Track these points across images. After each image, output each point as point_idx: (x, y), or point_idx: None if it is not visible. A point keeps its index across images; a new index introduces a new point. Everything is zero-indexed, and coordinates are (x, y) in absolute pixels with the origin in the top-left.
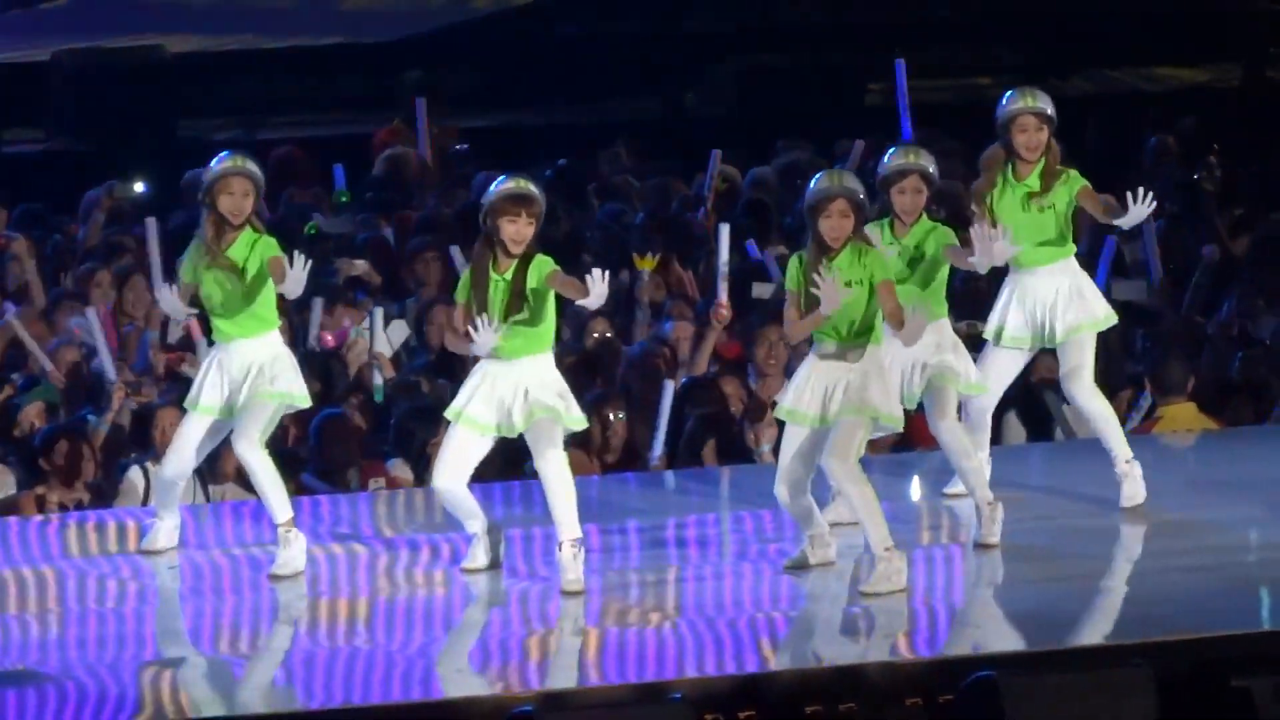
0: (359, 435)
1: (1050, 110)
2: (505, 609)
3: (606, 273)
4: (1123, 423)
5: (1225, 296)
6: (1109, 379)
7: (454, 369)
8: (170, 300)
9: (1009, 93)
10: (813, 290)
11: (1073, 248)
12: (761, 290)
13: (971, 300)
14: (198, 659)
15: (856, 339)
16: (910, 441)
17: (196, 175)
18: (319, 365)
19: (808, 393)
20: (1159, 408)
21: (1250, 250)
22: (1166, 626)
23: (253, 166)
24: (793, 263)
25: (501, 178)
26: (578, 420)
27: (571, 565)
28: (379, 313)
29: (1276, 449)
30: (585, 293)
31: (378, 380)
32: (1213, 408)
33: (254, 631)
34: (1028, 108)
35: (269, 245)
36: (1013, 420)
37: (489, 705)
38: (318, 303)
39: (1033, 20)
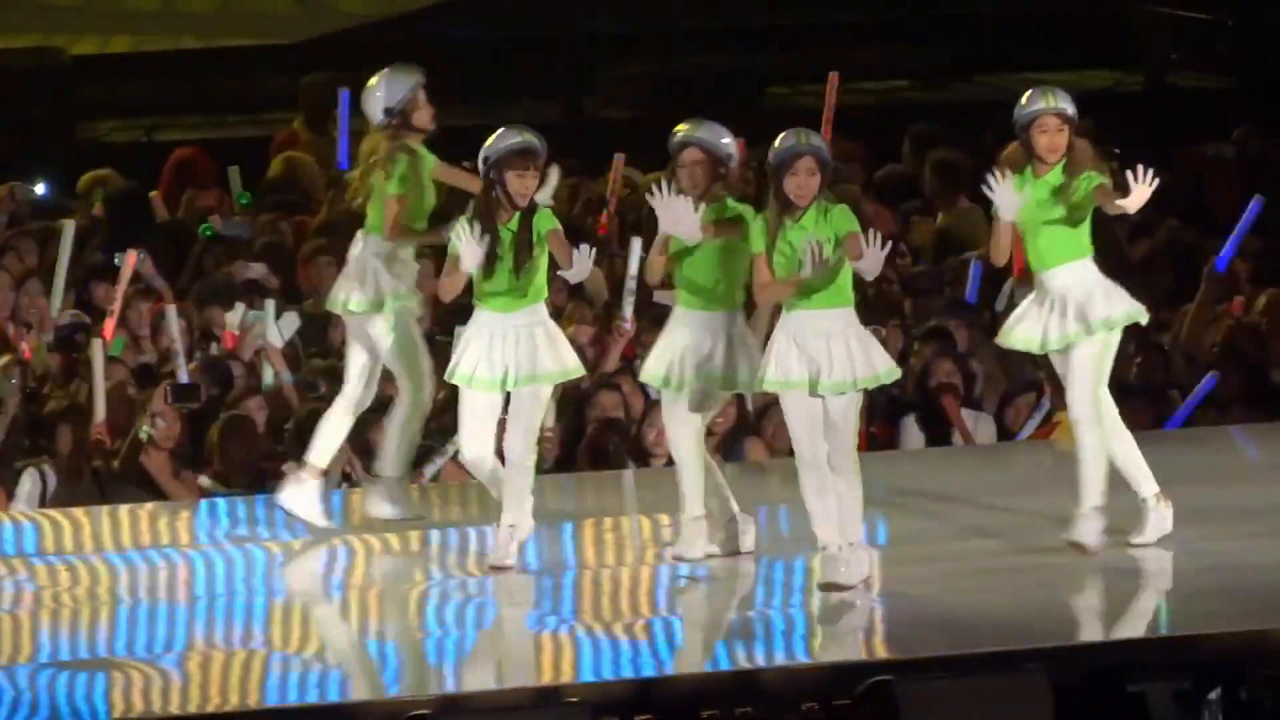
0: (259, 436)
1: (1072, 110)
2: (404, 612)
3: (593, 250)
4: (1021, 428)
5: None
6: (1009, 385)
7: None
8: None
9: (1030, 92)
10: (802, 259)
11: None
12: (661, 296)
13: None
14: (91, 662)
15: (830, 301)
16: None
17: None
18: (218, 367)
19: (794, 361)
20: (1057, 413)
21: (1148, 256)
22: (1063, 632)
23: None
24: (756, 225)
25: (501, 130)
26: (577, 370)
27: (506, 546)
28: (271, 304)
29: (1174, 453)
30: (571, 263)
31: (268, 374)
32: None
33: (149, 634)
34: (1049, 108)
35: None
36: (911, 425)
37: (386, 709)
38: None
39: (935, 24)
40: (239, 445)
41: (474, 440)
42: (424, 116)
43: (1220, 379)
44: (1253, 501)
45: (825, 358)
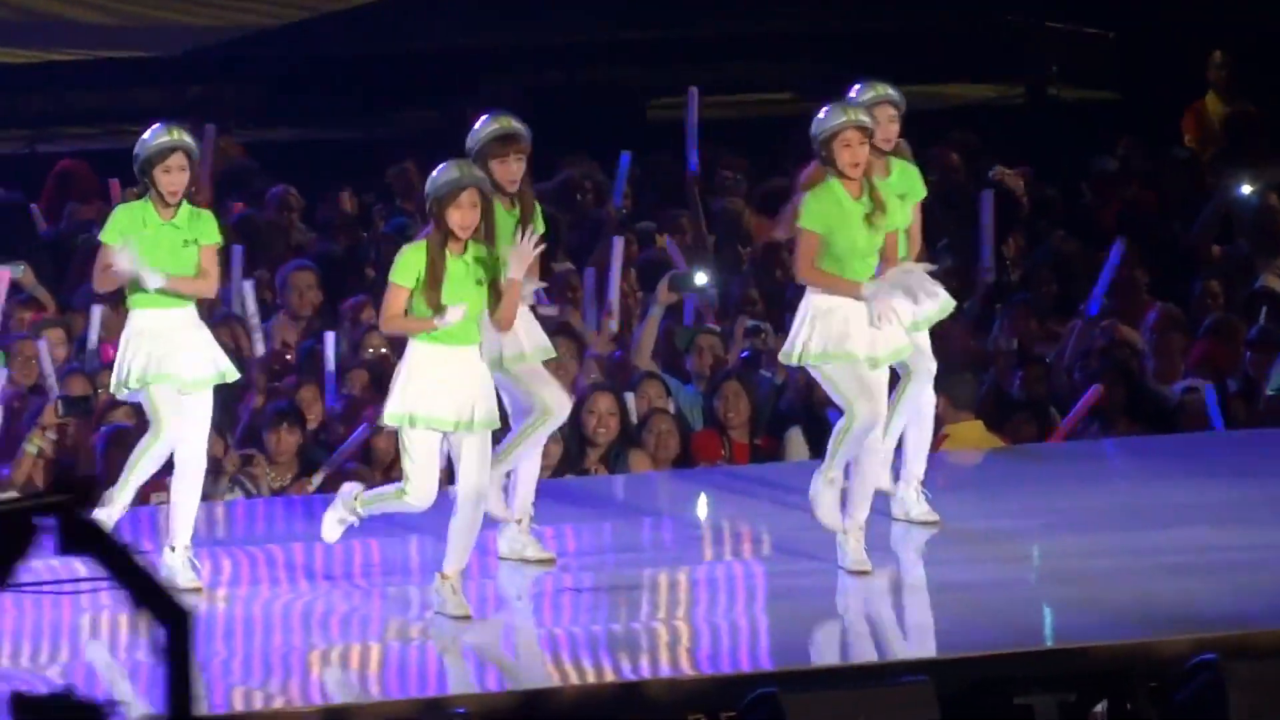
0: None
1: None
2: (287, 623)
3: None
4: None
5: (998, 315)
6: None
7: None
8: None
9: (827, 108)
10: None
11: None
12: (546, 310)
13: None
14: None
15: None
16: (692, 458)
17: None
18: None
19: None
20: (946, 425)
21: (1029, 269)
22: (949, 643)
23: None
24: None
25: (484, 118)
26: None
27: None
28: None
29: (1057, 466)
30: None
31: None
32: (996, 425)
33: (35, 644)
34: (850, 121)
35: None
36: (797, 436)
37: (273, 719)
38: (96, 311)
39: (815, 39)
40: (120, 457)
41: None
42: None
43: (1102, 391)
44: (1130, 512)
45: None
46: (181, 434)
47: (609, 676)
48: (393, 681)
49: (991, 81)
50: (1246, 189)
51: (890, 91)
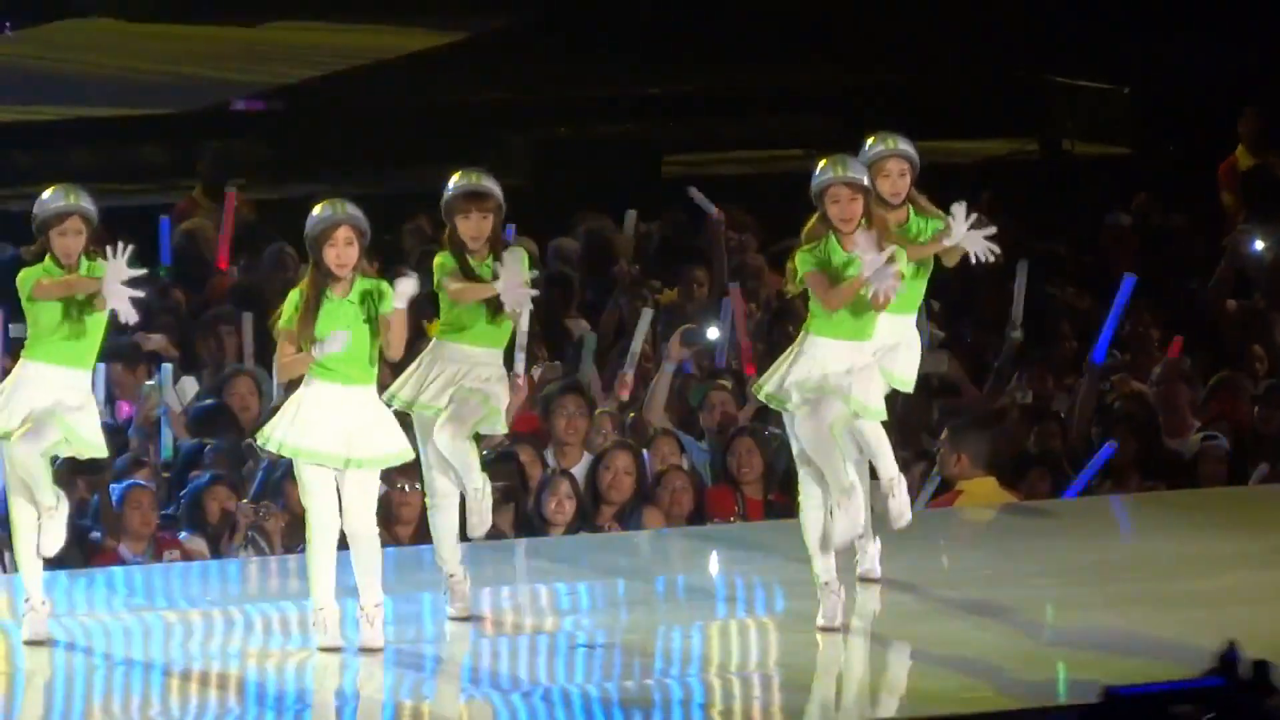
0: (155, 505)
1: (866, 180)
2: (301, 678)
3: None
4: (916, 496)
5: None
6: (905, 451)
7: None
8: None
9: (822, 164)
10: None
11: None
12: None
13: None
14: None
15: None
16: (706, 515)
17: None
18: (113, 434)
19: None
20: (959, 481)
21: (1049, 322)
22: (960, 701)
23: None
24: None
25: (456, 175)
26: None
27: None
28: (168, 368)
29: (1071, 522)
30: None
31: (166, 439)
32: (1010, 481)
33: (47, 702)
34: (837, 178)
35: None
36: None
37: None
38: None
39: (835, 92)
40: (139, 514)
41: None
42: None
43: (1117, 447)
44: (1145, 565)
45: None
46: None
47: None
48: None
49: (1006, 137)
50: (1260, 244)
51: (901, 145)
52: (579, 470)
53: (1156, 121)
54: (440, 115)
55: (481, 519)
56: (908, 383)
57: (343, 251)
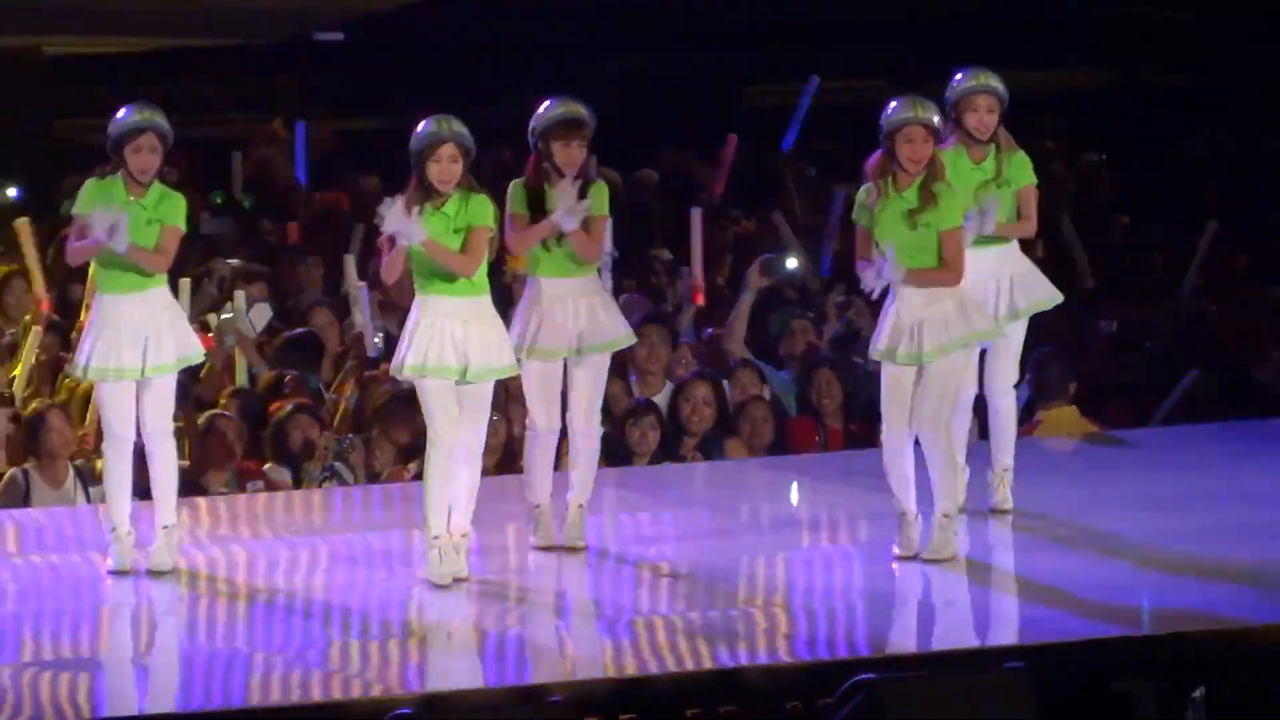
0: (240, 435)
1: (937, 119)
2: (385, 611)
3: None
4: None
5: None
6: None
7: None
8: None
9: (895, 102)
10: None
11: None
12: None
13: None
14: (78, 660)
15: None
16: (787, 445)
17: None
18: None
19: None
20: (1040, 411)
21: (1141, 253)
22: (1046, 629)
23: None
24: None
25: (548, 102)
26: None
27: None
28: (241, 295)
29: (1154, 452)
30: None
31: (242, 368)
32: (1092, 411)
33: (135, 633)
34: (915, 118)
35: None
36: None
37: (367, 708)
38: (186, 285)
39: (909, 22)
40: (223, 444)
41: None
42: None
43: (1201, 376)
44: (1228, 496)
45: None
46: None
47: (705, 663)
48: (489, 668)
49: (1080, 66)
50: None
51: (992, 81)
52: (661, 400)
53: (1236, 49)
54: (521, 48)
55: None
56: (1055, 296)
57: (446, 168)
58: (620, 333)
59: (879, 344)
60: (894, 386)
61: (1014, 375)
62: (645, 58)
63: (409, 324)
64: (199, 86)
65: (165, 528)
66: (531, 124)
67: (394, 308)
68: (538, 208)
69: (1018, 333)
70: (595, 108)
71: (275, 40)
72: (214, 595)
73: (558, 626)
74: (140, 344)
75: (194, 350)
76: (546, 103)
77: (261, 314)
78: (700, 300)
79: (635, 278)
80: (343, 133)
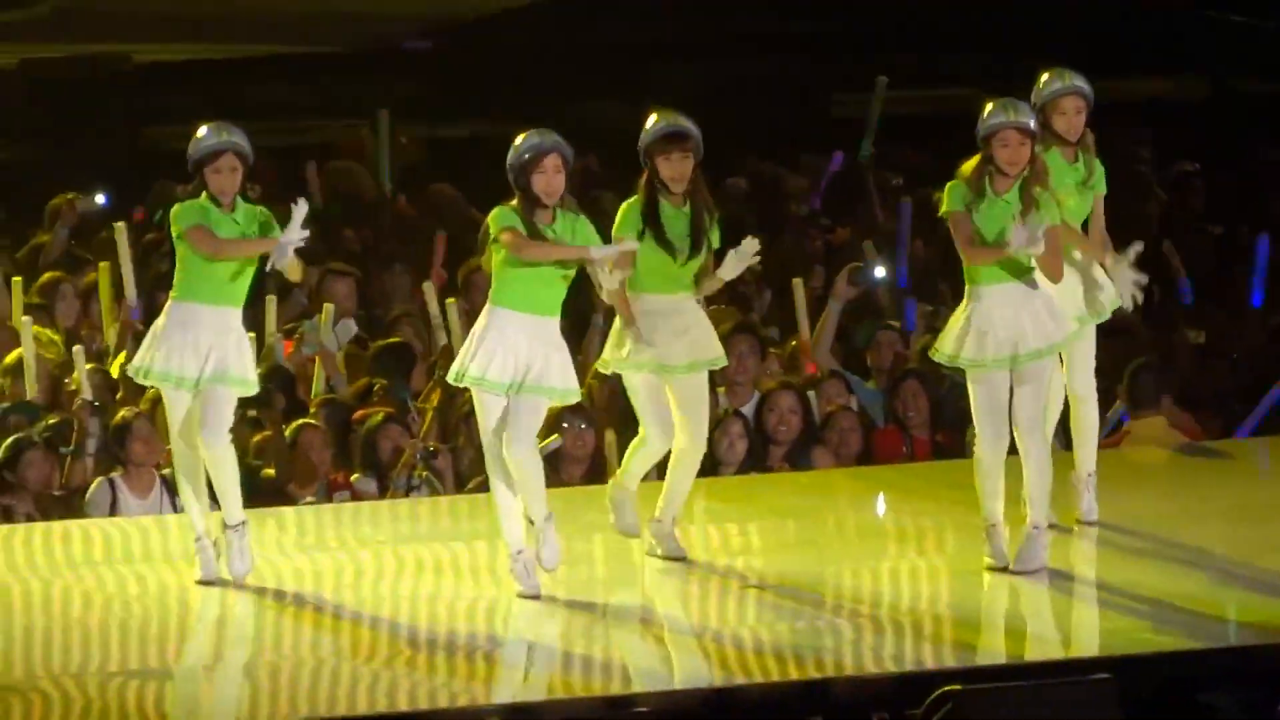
0: (327, 446)
1: (1033, 123)
2: (473, 620)
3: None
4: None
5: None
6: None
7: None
8: None
9: (991, 106)
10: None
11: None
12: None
13: None
14: (162, 670)
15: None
16: (874, 456)
17: None
18: (281, 373)
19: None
20: (1129, 422)
21: (1224, 267)
22: (1132, 640)
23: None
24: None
25: (653, 117)
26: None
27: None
28: (329, 309)
29: (1241, 464)
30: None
31: (319, 379)
32: (1181, 422)
33: (218, 642)
34: (1011, 121)
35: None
36: None
37: (456, 717)
38: (272, 301)
39: (998, 29)
40: (311, 455)
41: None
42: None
43: None
44: None
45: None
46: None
47: (793, 674)
48: (575, 679)
49: (1172, 74)
50: None
51: (1079, 82)
52: (748, 410)
53: None
54: (604, 52)
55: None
56: (1117, 300)
57: (552, 179)
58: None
59: (962, 352)
60: (993, 393)
61: (1093, 378)
62: (730, 64)
63: (477, 330)
64: (283, 92)
65: (233, 528)
66: (640, 141)
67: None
68: (653, 224)
69: (1093, 335)
70: (685, 107)
71: (362, 48)
72: (300, 605)
73: (645, 637)
74: (203, 356)
75: (250, 379)
76: (652, 117)
77: (346, 330)
78: (813, 370)
79: (725, 287)
80: (429, 140)
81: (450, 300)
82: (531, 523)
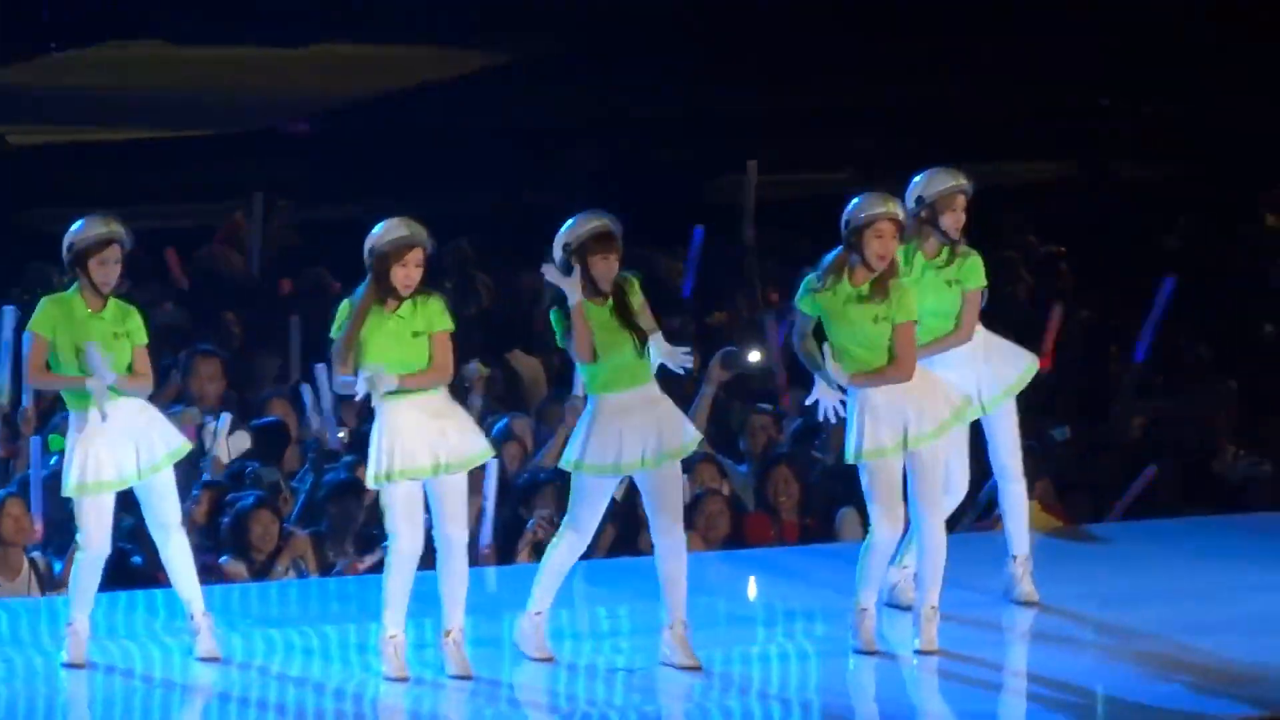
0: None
1: (903, 214)
2: (352, 704)
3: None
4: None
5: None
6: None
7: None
8: None
9: (866, 197)
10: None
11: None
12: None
13: None
14: None
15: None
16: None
17: None
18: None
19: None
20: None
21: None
22: None
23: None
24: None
25: (579, 217)
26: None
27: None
28: (226, 418)
29: (1114, 546)
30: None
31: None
32: (1054, 505)
33: None
34: (887, 213)
35: None
36: (851, 516)
37: None
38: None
39: (877, 115)
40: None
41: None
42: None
43: (1159, 470)
44: (1191, 592)
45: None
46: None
47: None
48: None
49: (1050, 159)
50: None
51: (964, 181)
52: (618, 493)
53: (1202, 144)
54: (480, 138)
55: None
56: (1033, 361)
57: (412, 273)
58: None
59: (864, 444)
60: (888, 480)
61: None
62: (611, 150)
63: (382, 429)
64: (161, 175)
65: (206, 614)
66: (565, 239)
67: (350, 400)
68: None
69: (1012, 412)
70: (556, 197)
71: (241, 130)
72: (168, 689)
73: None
74: (131, 448)
75: (180, 442)
76: (574, 219)
77: (240, 442)
78: None
79: None
80: (306, 223)
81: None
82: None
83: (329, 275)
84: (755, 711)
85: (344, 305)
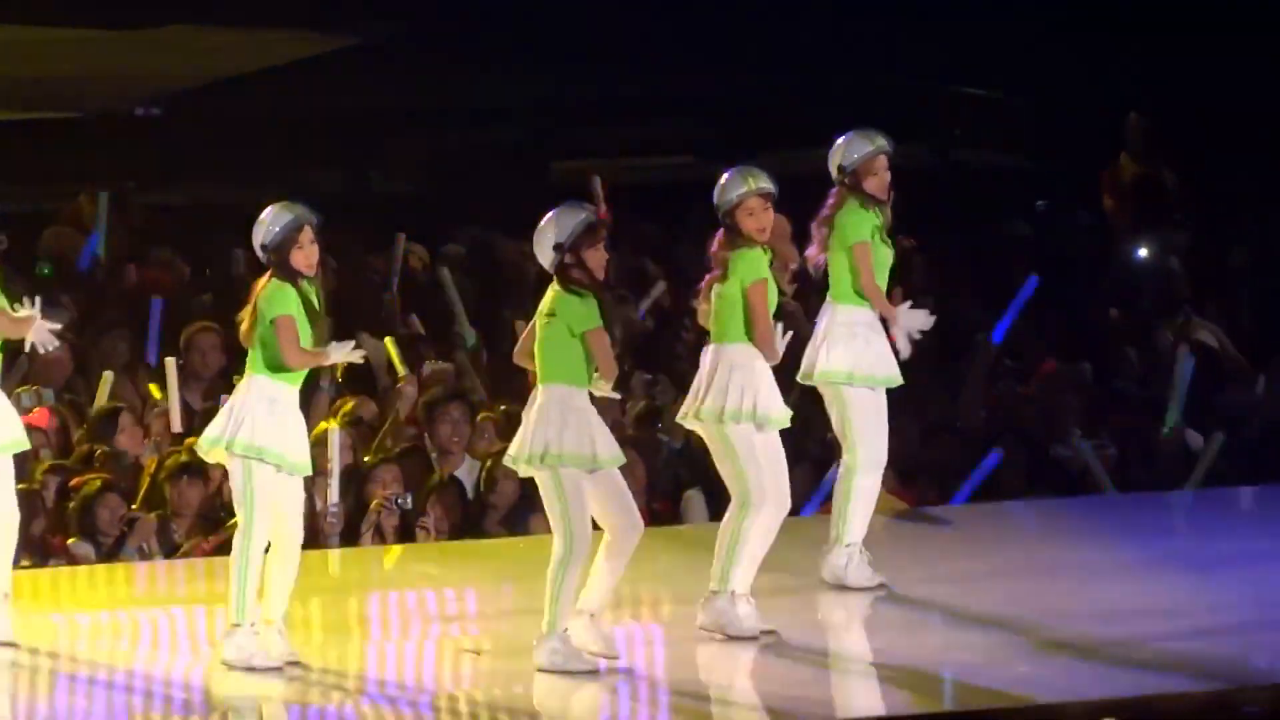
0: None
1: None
2: (197, 686)
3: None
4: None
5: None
6: (800, 455)
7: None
8: None
9: (730, 177)
10: None
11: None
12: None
13: None
14: None
15: None
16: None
17: None
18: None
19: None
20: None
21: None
22: (856, 707)
23: None
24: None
25: (562, 212)
26: None
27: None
28: (49, 394)
29: (959, 529)
30: None
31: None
32: (899, 488)
33: None
34: (752, 190)
35: None
36: (696, 499)
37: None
38: None
39: (720, 101)
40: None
41: None
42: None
43: (1003, 455)
44: (1037, 572)
45: None
46: None
47: None
48: None
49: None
50: (1143, 252)
51: (882, 142)
52: (463, 474)
53: (1045, 129)
54: (331, 121)
55: None
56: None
57: (310, 252)
58: None
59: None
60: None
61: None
62: (453, 134)
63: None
64: (9, 158)
65: (6, 595)
66: (556, 235)
67: (198, 380)
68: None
69: (857, 404)
70: (398, 182)
71: (91, 113)
72: (16, 669)
73: (361, 703)
74: None
75: (13, 438)
76: (553, 216)
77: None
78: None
79: (440, 351)
80: (156, 206)
81: (169, 359)
82: None
83: (178, 258)
84: (601, 691)
85: (285, 316)
